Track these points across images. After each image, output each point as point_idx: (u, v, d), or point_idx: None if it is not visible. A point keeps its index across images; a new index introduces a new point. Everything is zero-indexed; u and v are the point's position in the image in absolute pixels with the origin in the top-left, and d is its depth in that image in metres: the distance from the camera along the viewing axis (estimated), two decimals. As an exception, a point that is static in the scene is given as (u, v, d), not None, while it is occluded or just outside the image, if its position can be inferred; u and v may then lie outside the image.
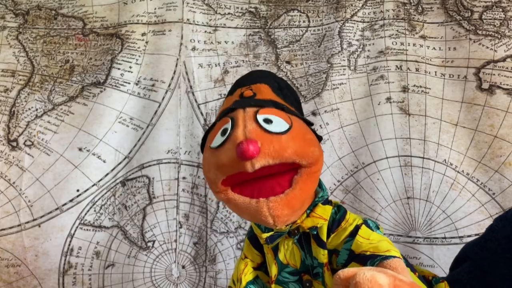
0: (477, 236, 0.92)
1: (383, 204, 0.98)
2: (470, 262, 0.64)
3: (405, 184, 0.98)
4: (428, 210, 0.96)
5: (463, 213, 0.94)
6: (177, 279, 1.04)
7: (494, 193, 0.93)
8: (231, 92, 0.58)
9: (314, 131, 0.54)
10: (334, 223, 0.53)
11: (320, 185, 0.56)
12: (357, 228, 0.51)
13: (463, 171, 0.96)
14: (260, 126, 0.46)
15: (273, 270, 0.56)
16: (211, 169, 0.49)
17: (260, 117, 0.47)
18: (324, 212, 0.53)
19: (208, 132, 0.54)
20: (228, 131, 0.48)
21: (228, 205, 0.51)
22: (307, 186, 0.49)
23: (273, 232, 0.53)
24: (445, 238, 0.95)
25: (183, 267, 1.05)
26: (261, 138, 0.45)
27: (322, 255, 0.52)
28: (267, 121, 0.47)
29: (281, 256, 0.56)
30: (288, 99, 0.55)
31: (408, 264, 0.59)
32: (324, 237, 0.52)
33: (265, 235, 0.54)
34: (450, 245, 0.94)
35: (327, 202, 0.55)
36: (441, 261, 0.93)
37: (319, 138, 0.55)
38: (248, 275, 0.58)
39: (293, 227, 0.53)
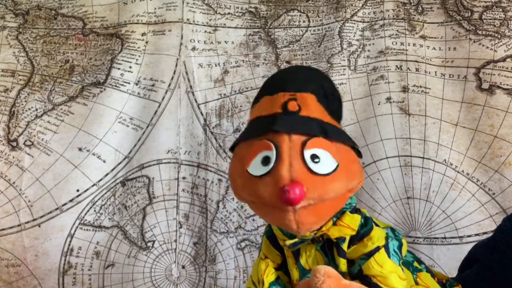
0: (477, 236, 0.93)
1: (383, 204, 0.98)
2: (480, 264, 0.64)
3: (405, 184, 0.98)
4: (428, 210, 0.96)
5: (463, 213, 0.94)
6: (177, 279, 1.04)
7: (494, 193, 0.93)
8: (271, 92, 0.51)
9: (355, 149, 0.51)
10: (357, 237, 0.51)
11: None
12: (376, 250, 0.50)
13: (463, 171, 0.96)
14: (307, 166, 0.43)
15: (295, 275, 0.55)
16: (245, 192, 0.48)
17: (307, 153, 0.44)
18: (352, 222, 0.51)
19: (242, 138, 0.50)
20: (272, 163, 0.44)
21: (251, 206, 0.50)
22: (339, 201, 0.48)
23: (297, 239, 0.51)
24: (445, 238, 0.95)
25: (183, 267, 1.05)
26: (306, 181, 0.43)
27: (343, 264, 0.51)
28: (315, 157, 0.44)
29: (302, 261, 0.54)
30: (331, 105, 0.50)
31: (428, 270, 0.59)
32: (345, 247, 0.51)
33: (289, 242, 0.51)
34: (450, 245, 0.94)
35: (355, 210, 0.52)
36: (441, 261, 0.93)
37: (359, 155, 0.51)
38: (270, 276, 0.56)
39: (317, 234, 0.51)
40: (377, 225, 0.53)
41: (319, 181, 0.43)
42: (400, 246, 0.52)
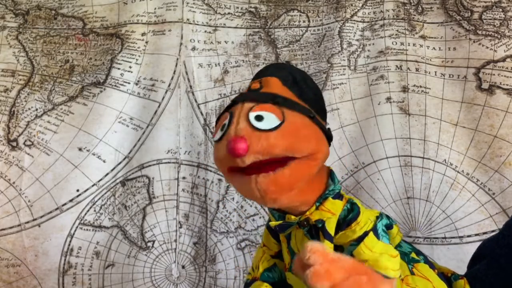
0: (477, 236, 0.93)
1: (383, 204, 0.98)
2: (488, 259, 0.64)
3: (405, 184, 0.98)
4: (428, 210, 0.96)
5: (463, 213, 0.94)
6: (177, 279, 1.04)
7: (494, 193, 0.93)
8: (249, 85, 0.59)
9: (323, 128, 0.53)
10: (345, 222, 0.53)
11: (333, 178, 0.56)
12: (364, 235, 0.51)
13: (463, 171, 0.96)
14: (250, 124, 0.48)
15: (286, 258, 0.58)
16: (215, 161, 0.53)
17: (252, 114, 0.48)
18: (333, 207, 0.53)
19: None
20: (225, 126, 0.50)
21: (232, 185, 0.54)
22: (300, 171, 0.50)
23: (281, 222, 0.55)
24: (445, 238, 0.95)
25: (183, 267, 1.05)
26: (249, 135, 0.47)
27: (330, 248, 0.52)
28: (259, 118, 0.48)
29: (292, 244, 0.57)
30: (305, 93, 0.55)
31: (427, 261, 0.60)
32: (331, 231, 0.52)
33: (273, 223, 0.56)
34: (450, 245, 0.95)
35: (338, 196, 0.55)
36: (441, 261, 0.93)
37: (329, 137, 0.55)
38: (265, 262, 0.60)
39: (302, 218, 0.54)
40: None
41: (262, 136, 0.47)
42: (389, 226, 0.54)
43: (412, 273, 0.56)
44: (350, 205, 0.55)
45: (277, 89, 0.53)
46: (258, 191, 0.48)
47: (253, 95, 0.52)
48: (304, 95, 0.54)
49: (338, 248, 0.53)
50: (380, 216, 0.54)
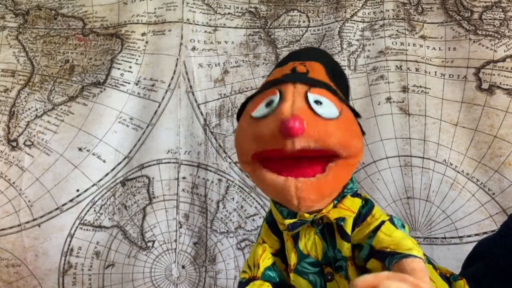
0: (477, 236, 0.93)
1: (383, 204, 0.98)
2: (486, 260, 0.64)
3: (405, 184, 0.98)
4: (428, 210, 0.96)
5: (463, 213, 0.94)
6: (177, 279, 1.04)
7: (494, 193, 0.93)
8: (281, 64, 0.54)
9: (359, 124, 0.51)
10: (360, 217, 0.51)
11: (351, 177, 0.53)
12: (381, 224, 0.49)
13: (463, 171, 0.96)
14: (310, 106, 0.43)
15: (293, 259, 0.53)
16: (247, 139, 0.46)
17: (311, 96, 0.44)
18: (353, 205, 0.51)
19: (249, 101, 0.50)
20: (275, 103, 0.44)
21: (253, 178, 0.49)
22: (341, 177, 0.47)
23: (296, 219, 0.51)
24: (445, 238, 0.95)
25: (183, 267, 1.05)
26: (308, 118, 0.42)
27: (346, 249, 0.51)
28: (318, 102, 0.44)
29: (301, 245, 0.53)
30: (339, 85, 0.51)
31: (429, 262, 0.58)
32: (349, 230, 0.50)
33: (287, 221, 0.51)
34: (450, 245, 0.95)
35: (356, 194, 0.52)
36: (441, 261, 0.93)
37: (363, 133, 0.52)
38: (266, 260, 0.55)
39: (317, 216, 0.50)
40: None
41: (321, 121, 0.43)
42: (403, 226, 0.51)
43: None
44: (365, 201, 0.53)
45: (323, 77, 0.49)
46: (296, 198, 0.44)
47: (304, 78, 0.47)
48: (339, 86, 0.51)
49: (355, 248, 0.51)
50: (391, 215, 0.52)
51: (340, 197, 0.51)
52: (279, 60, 0.57)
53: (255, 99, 0.48)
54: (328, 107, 0.44)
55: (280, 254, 0.57)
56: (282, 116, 0.42)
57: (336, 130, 0.44)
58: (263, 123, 0.44)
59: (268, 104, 0.45)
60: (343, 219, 0.50)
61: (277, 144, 0.43)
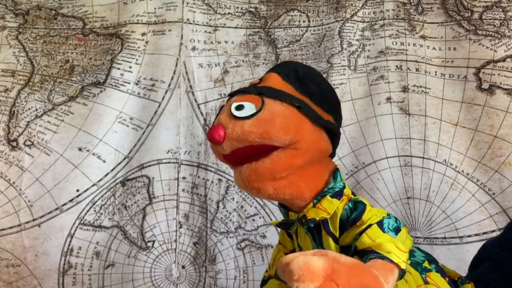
0: (477, 236, 0.93)
1: (383, 204, 0.98)
2: (492, 262, 0.64)
3: (405, 184, 0.98)
4: (428, 210, 0.96)
5: (463, 213, 0.94)
6: (177, 279, 1.04)
7: (494, 193, 0.93)
8: None
9: (318, 120, 0.52)
10: (349, 222, 0.52)
11: (335, 176, 0.54)
12: (367, 227, 0.50)
13: (463, 171, 0.96)
14: (230, 113, 0.50)
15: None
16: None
17: (233, 105, 0.50)
18: (330, 206, 0.52)
19: None
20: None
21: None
22: (281, 159, 0.50)
23: (281, 220, 0.57)
24: (445, 238, 0.95)
25: (183, 267, 1.05)
26: (226, 124, 0.49)
27: (332, 244, 0.52)
28: (239, 107, 0.50)
29: (300, 240, 0.57)
30: (307, 87, 0.55)
31: (439, 269, 0.58)
32: (336, 232, 0.52)
33: (273, 222, 0.58)
34: (450, 245, 0.94)
35: (337, 195, 0.53)
36: (441, 261, 0.91)
37: (330, 131, 0.54)
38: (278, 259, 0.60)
39: (300, 215, 0.53)
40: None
41: (238, 123, 0.49)
42: (396, 229, 0.51)
43: (426, 282, 0.54)
44: (353, 204, 0.53)
45: (275, 84, 0.53)
46: (242, 181, 0.50)
47: (246, 89, 0.54)
48: (306, 89, 0.54)
49: (344, 250, 0.52)
50: (388, 216, 0.52)
51: (320, 196, 0.53)
52: (278, 61, 0.62)
53: None
54: (248, 108, 0.50)
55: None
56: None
57: (253, 126, 0.48)
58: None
59: None
60: (313, 220, 0.52)
61: (217, 151, 0.52)
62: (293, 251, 0.60)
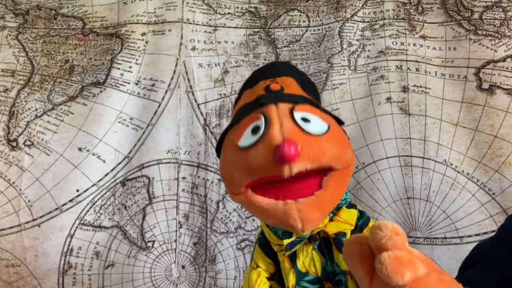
0: (478, 236, 0.93)
1: (383, 204, 0.98)
2: (484, 263, 0.63)
3: (405, 184, 0.98)
4: (428, 210, 0.96)
5: (463, 213, 0.94)
6: (177, 279, 1.04)
7: (494, 193, 0.93)
8: (250, 85, 0.51)
9: (343, 130, 0.49)
10: (356, 230, 0.50)
11: None
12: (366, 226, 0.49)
13: (463, 171, 0.96)
14: (298, 126, 0.41)
15: (291, 280, 0.51)
16: (238, 171, 0.43)
17: (297, 115, 0.42)
18: (350, 216, 0.49)
19: (228, 130, 0.48)
20: (261, 129, 0.41)
21: (248, 208, 0.46)
22: (338, 189, 0.44)
23: (293, 238, 0.49)
24: (445, 238, 0.95)
25: (183, 267, 1.04)
26: (300, 139, 0.40)
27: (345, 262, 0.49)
28: (305, 120, 0.42)
29: (299, 264, 0.51)
30: (313, 94, 0.50)
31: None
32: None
33: (286, 241, 0.48)
34: (450, 245, 0.94)
35: (350, 205, 0.51)
36: (441, 261, 0.93)
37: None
38: (261, 286, 0.53)
39: (315, 232, 0.48)
40: None
41: (314, 140, 0.41)
42: None
43: None
44: (360, 213, 0.52)
45: (298, 91, 0.48)
46: (300, 221, 0.41)
47: (283, 96, 0.45)
48: (310, 95, 0.50)
49: None
50: None
51: (336, 209, 0.49)
52: (247, 78, 0.55)
53: (236, 127, 0.45)
54: (316, 122, 0.43)
55: (275, 277, 0.55)
56: (274, 142, 0.39)
57: (328, 145, 0.42)
58: (254, 153, 0.41)
59: (254, 131, 0.42)
60: (344, 234, 0.48)
61: (273, 171, 0.40)
62: (275, 274, 0.54)
